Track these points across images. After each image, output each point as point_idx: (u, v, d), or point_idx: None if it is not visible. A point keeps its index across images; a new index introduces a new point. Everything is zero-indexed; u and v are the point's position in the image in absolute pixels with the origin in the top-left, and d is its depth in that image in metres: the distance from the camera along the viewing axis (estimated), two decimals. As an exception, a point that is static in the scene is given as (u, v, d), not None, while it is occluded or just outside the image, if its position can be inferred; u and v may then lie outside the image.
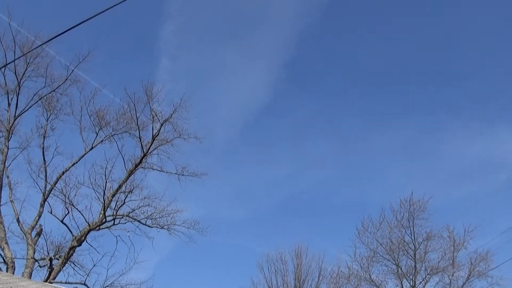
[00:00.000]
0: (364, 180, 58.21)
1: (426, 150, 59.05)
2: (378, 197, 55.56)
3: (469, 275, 31.06)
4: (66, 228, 25.97)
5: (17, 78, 26.90)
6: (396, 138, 59.11)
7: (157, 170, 27.45)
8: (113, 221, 26.60)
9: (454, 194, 52.91)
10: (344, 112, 63.42)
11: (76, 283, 25.70)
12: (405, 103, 63.92)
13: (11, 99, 27.10)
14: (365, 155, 59.51)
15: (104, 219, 26.19)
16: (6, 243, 24.56)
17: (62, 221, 25.91)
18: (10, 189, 26.35)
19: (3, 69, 26.04)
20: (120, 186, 26.51)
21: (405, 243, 31.87)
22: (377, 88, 64.78)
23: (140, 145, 26.71)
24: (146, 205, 26.74)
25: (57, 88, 27.48)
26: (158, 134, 26.72)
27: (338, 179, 59.59)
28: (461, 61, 63.03)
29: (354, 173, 59.24)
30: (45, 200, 26.43)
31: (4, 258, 24.25)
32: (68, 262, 25.76)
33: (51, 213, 26.11)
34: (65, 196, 25.82)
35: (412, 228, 31.70)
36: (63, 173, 26.77)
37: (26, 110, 27.41)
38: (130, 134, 27.29)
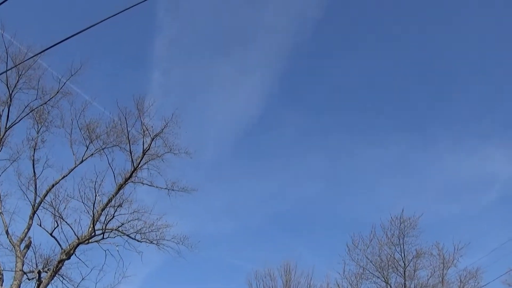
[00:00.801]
0: (354, 196, 58.39)
1: (417, 166, 59.36)
2: (369, 213, 55.66)
3: (459, 293, 31.20)
4: (55, 241, 26.03)
5: (8, 90, 27.05)
6: (387, 154, 59.49)
7: (147, 184, 27.68)
8: (102, 235, 26.69)
9: (445, 211, 53.18)
10: (335, 127, 64.05)
11: (64, 296, 25.85)
12: (396, 119, 64.60)
13: (2, 111, 27.30)
14: (356, 171, 59.75)
15: (93, 233, 26.25)
16: (-5, 255, 24.67)
17: (51, 234, 25.95)
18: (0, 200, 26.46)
19: (-5, 80, 26.22)
20: (109, 200, 26.63)
21: (395, 260, 32.03)
22: (367, 104, 65.70)
23: (131, 159, 26.88)
24: (135, 220, 26.90)
25: (48, 100, 27.66)
26: (148, 148, 26.89)
27: (328, 195, 59.76)
28: (452, 77, 63.73)
29: (345, 189, 59.45)
30: (34, 212, 26.55)
31: (-7, 270, 24.36)
32: (57, 275, 25.81)
33: (40, 225, 26.11)
34: (54, 209, 25.88)
35: (402, 246, 31.89)
36: (53, 185, 26.92)
37: (17, 122, 27.62)
38: (120, 148, 27.46)
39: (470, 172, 57.14)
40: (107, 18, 8.71)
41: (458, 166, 57.70)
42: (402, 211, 32.46)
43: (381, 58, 65.33)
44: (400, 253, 32.01)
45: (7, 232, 25.97)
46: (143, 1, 8.58)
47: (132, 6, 8.60)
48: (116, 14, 8.70)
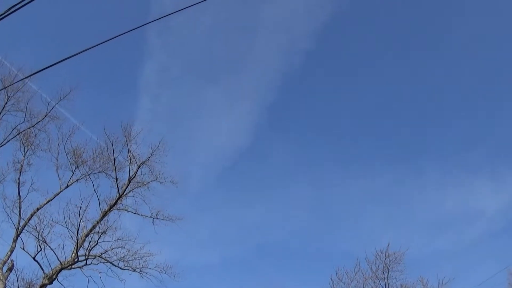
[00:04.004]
0: (340, 228, 58.39)
1: (404, 198, 59.46)
2: (354, 245, 55.55)
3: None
4: (38, 265, 26.61)
5: (-4, 111, 27.57)
6: (374, 185, 59.69)
7: (132, 212, 28.24)
8: (85, 261, 27.24)
9: (430, 245, 53.33)
10: (322, 158, 64.37)
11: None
12: (383, 151, 64.98)
13: (-11, 133, 27.75)
14: (342, 203, 59.83)
15: (77, 259, 26.83)
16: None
17: (34, 258, 26.53)
18: (-17, 222, 26.99)
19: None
20: (94, 227, 27.20)
21: (379, 294, 32.41)
22: (355, 135, 66.10)
23: (116, 186, 27.49)
24: (119, 247, 27.48)
25: (36, 124, 28.21)
26: (134, 176, 27.51)
27: (314, 227, 59.59)
28: (440, 110, 64.51)
29: (330, 221, 59.31)
30: (18, 235, 27.03)
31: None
32: (39, 300, 26.41)
33: (23, 249, 26.73)
34: (38, 233, 26.51)
35: (386, 280, 32.23)
36: (37, 209, 27.47)
37: (4, 144, 28.18)
38: (106, 174, 28.08)
39: (456, 205, 57.53)
40: (97, 45, 9.24)
41: (445, 199, 58.31)
42: (388, 245, 32.88)
43: (369, 91, 66.54)
44: (384, 287, 32.46)
45: (-11, 254, 26.51)
46: (134, 29, 9.06)
47: (123, 33, 9.07)
48: (107, 41, 9.18)
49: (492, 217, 54.07)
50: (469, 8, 64.06)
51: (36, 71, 10.58)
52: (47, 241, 26.42)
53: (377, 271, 32.45)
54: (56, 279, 26.53)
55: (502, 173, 57.12)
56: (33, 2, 8.19)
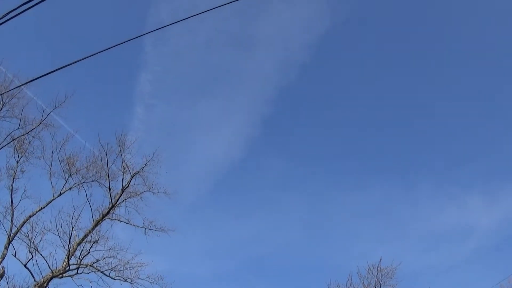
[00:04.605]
0: (333, 241, 58.35)
1: (397, 212, 59.71)
2: (347, 259, 55.77)
3: None
4: (29, 273, 26.56)
5: (-9, 118, 27.66)
6: (367, 200, 60.00)
7: (124, 222, 28.30)
8: (76, 270, 27.26)
9: (423, 260, 53.49)
10: (316, 172, 64.55)
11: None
12: (377, 165, 65.17)
13: (-17, 138, 27.82)
14: (335, 217, 60.00)
15: (68, 267, 26.84)
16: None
17: (25, 266, 26.52)
18: (-25, 228, 27.00)
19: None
20: (86, 235, 27.25)
21: (371, 309, 32.41)
22: (348, 149, 66.25)
23: (109, 195, 27.56)
24: (110, 256, 27.53)
25: (30, 131, 28.30)
26: (128, 186, 27.61)
27: (307, 240, 59.76)
28: (434, 126, 64.78)
29: (323, 234, 59.36)
30: (9, 242, 27.03)
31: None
32: (29, 308, 26.37)
33: (15, 256, 26.71)
34: (30, 240, 26.54)
35: (378, 294, 32.32)
36: (30, 216, 27.50)
37: (-2, 150, 28.13)
38: (99, 183, 28.19)
39: (449, 220, 57.87)
40: (94, 54, 9.38)
41: (438, 214, 58.55)
42: (380, 259, 32.89)
43: (364, 105, 66.75)
44: (376, 302, 32.43)
45: (-20, 261, 26.50)
46: (130, 40, 9.21)
47: (120, 44, 9.21)
48: (103, 51, 9.37)
49: (484, 233, 54.42)
50: (462, 31, 64.85)
51: (32, 78, 10.72)
52: (38, 249, 26.50)
53: (369, 285, 32.47)
54: (47, 287, 26.55)
55: (495, 189, 57.66)
56: (30, 10, 8.34)
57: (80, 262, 27.28)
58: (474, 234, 55.50)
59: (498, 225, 54.34)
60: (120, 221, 28.26)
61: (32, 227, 26.89)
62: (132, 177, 27.61)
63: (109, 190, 27.51)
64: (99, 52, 9.42)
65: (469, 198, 57.50)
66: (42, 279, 26.31)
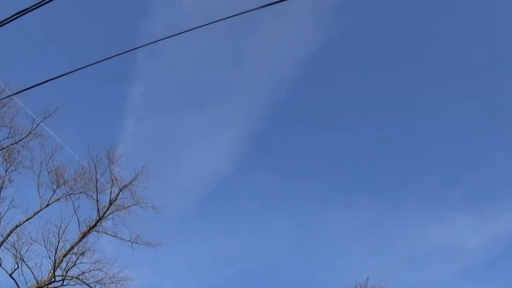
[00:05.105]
0: (321, 260, 58.58)
1: (385, 232, 59.73)
2: (334, 277, 55.84)
3: None
4: (15, 283, 26.55)
5: (-21, 126, 27.66)
6: (355, 219, 60.08)
7: (111, 235, 28.30)
8: (62, 281, 27.30)
9: (410, 280, 53.63)
10: (304, 190, 64.38)
11: None
12: (366, 183, 65.39)
13: (-29, 147, 27.82)
14: (323, 235, 59.88)
15: (53, 279, 26.83)
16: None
17: (11, 275, 26.54)
18: (-39, 237, 26.92)
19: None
20: (72, 247, 27.27)
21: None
22: (338, 168, 66.47)
23: (97, 208, 27.62)
24: (96, 269, 27.58)
25: (19, 140, 28.28)
26: (116, 199, 27.67)
27: (295, 257, 59.73)
28: (422, 145, 65.28)
29: (311, 251, 59.31)
30: (-4, 251, 26.99)
31: None
32: (13, 318, 26.24)
33: (0, 265, 26.67)
34: (16, 250, 26.58)
35: (365, 313, 32.35)
36: (16, 226, 27.47)
37: (-14, 159, 28.10)
38: (87, 195, 28.21)
39: (437, 240, 57.82)
40: (86, 66, 9.47)
41: (425, 234, 58.54)
42: (367, 278, 33.05)
43: (355, 124, 66.82)
44: (362, 321, 32.43)
45: (-35, 269, 26.38)
46: (123, 53, 9.33)
47: (112, 56, 9.33)
48: (96, 63, 9.45)
49: (472, 253, 54.47)
50: (458, 44, 65.42)
51: (23, 88, 10.82)
52: (24, 259, 26.56)
53: (355, 304, 32.57)
54: (32, 298, 26.46)
55: (483, 209, 57.80)
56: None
57: (66, 273, 27.31)
58: (462, 254, 55.68)
59: (487, 245, 54.56)
60: (107, 234, 28.35)
61: (18, 237, 27.00)
62: (120, 190, 27.73)
63: (97, 203, 27.65)
64: (91, 64, 9.56)
65: (458, 218, 57.75)
66: (27, 290, 26.25)
